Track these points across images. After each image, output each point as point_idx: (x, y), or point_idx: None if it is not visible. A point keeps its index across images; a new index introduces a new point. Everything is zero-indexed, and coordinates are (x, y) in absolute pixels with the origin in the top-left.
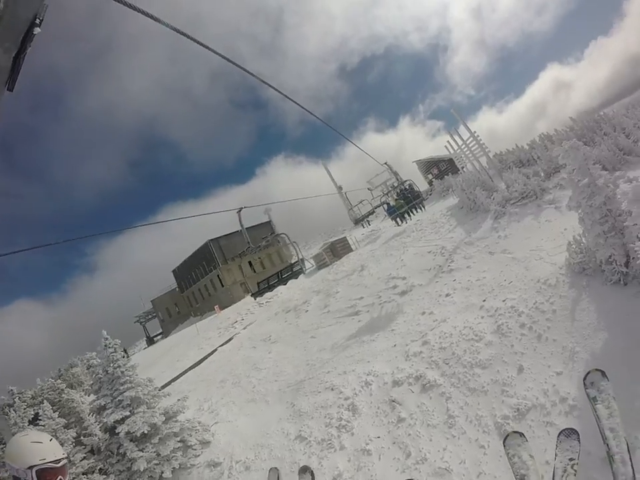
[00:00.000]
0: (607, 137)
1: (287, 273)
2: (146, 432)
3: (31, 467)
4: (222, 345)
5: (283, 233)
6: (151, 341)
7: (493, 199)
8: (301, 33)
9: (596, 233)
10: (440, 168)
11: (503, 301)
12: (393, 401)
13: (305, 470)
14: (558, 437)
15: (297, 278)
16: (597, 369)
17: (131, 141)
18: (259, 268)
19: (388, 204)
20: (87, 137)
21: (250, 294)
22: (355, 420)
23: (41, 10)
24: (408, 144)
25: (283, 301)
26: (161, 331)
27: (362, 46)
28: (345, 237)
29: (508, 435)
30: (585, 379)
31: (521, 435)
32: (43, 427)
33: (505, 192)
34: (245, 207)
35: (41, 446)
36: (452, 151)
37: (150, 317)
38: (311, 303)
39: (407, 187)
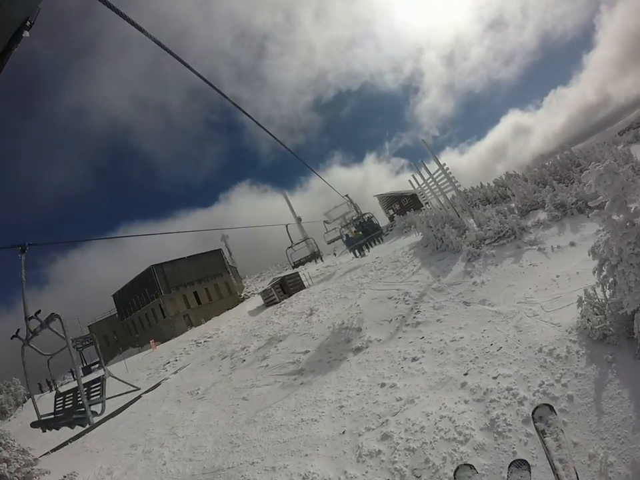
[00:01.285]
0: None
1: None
2: None
3: None
4: (147, 392)
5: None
6: (88, 370)
7: (465, 237)
8: (282, 62)
9: (630, 285)
10: (402, 203)
11: (494, 378)
12: None
13: None
14: (509, 467)
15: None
16: (544, 404)
17: (101, 148)
18: (205, 299)
19: (347, 235)
20: (54, 137)
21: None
22: None
23: (33, 14)
24: (372, 179)
25: (222, 342)
26: (97, 359)
27: (339, 81)
28: (297, 272)
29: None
30: (533, 413)
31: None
32: None
33: (478, 230)
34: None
35: None
36: (416, 185)
37: (87, 343)
38: (250, 351)
39: (366, 220)
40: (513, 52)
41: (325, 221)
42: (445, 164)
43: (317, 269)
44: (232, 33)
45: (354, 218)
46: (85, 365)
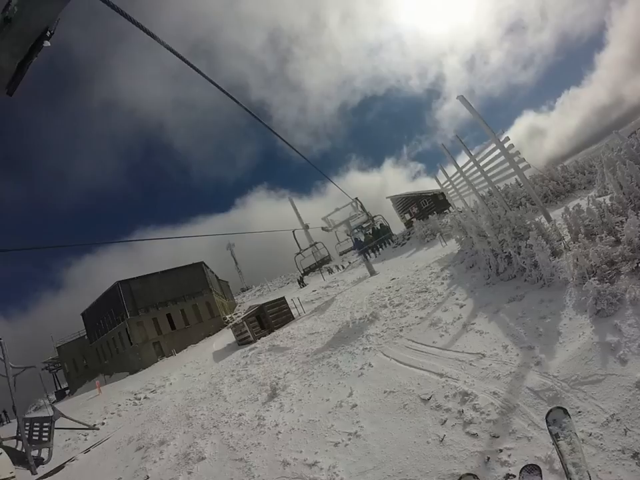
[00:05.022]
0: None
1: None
2: None
3: None
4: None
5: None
6: (62, 394)
7: (564, 258)
8: (308, 66)
9: None
10: (421, 206)
11: None
12: None
13: None
14: (520, 472)
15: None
16: (558, 407)
17: (133, 143)
18: (181, 323)
19: (357, 239)
20: (90, 131)
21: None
22: None
23: (53, 24)
24: (390, 184)
25: (148, 415)
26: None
27: (365, 86)
28: (284, 299)
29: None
30: (547, 416)
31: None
32: None
33: (589, 244)
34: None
35: None
36: (444, 180)
37: (60, 364)
38: (164, 455)
39: (375, 223)
40: (532, 55)
41: (323, 227)
42: (507, 137)
43: (314, 290)
44: (260, 38)
45: (364, 222)
46: (57, 388)
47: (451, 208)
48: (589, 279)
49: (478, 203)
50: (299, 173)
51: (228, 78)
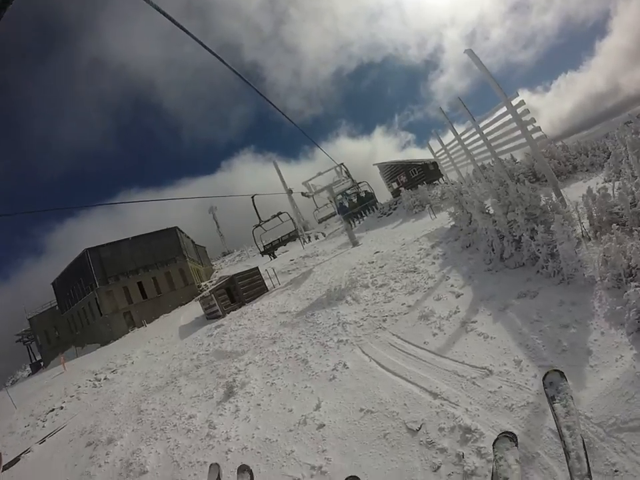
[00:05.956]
0: None
1: (285, 238)
2: None
3: None
4: None
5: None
6: (36, 366)
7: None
8: (304, 29)
9: None
10: (410, 175)
11: None
12: None
13: (243, 469)
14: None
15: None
16: (555, 370)
17: (122, 103)
18: (153, 292)
19: (341, 203)
20: (77, 91)
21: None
22: None
23: None
24: (379, 152)
25: (103, 402)
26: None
27: (361, 52)
28: (257, 269)
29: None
30: (544, 378)
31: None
32: None
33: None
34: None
35: None
36: (438, 148)
37: (32, 336)
38: (110, 457)
39: (360, 189)
40: (533, 35)
41: (303, 193)
42: (522, 101)
43: (292, 260)
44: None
45: (349, 188)
46: (32, 360)
47: (442, 179)
48: (627, 282)
49: (477, 175)
50: (289, 137)
51: (221, 37)
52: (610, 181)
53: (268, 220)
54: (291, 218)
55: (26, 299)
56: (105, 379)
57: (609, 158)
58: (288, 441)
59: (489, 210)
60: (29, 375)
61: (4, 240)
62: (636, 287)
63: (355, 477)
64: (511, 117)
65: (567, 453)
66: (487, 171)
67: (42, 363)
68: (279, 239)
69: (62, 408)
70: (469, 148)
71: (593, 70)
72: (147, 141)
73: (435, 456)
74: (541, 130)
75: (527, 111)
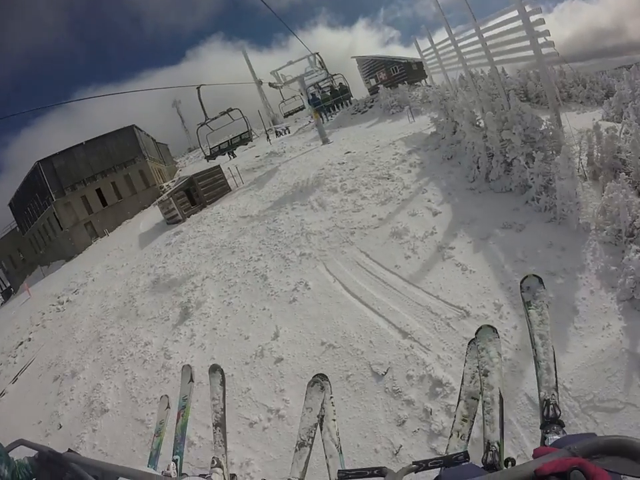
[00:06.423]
0: None
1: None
2: None
3: None
4: None
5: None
6: (8, 293)
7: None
8: None
9: None
10: (390, 73)
11: None
12: None
13: (214, 369)
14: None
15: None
16: (534, 274)
17: None
18: (113, 198)
19: (313, 95)
20: None
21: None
22: None
23: None
24: (359, 46)
25: (66, 329)
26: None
27: None
28: (219, 167)
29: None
30: (521, 282)
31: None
32: None
33: None
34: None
35: None
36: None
37: None
38: (75, 391)
39: (334, 82)
40: None
41: (271, 83)
42: (539, 7)
43: (257, 156)
44: None
45: (322, 80)
46: (1, 289)
47: (425, 80)
48: (626, 242)
49: (462, 83)
50: (262, 24)
51: None
52: (609, 120)
53: (216, 117)
54: (243, 116)
55: None
56: (67, 301)
57: (607, 96)
58: (244, 375)
59: (479, 122)
60: (1, 303)
61: None
62: (637, 250)
63: (322, 374)
64: (522, 23)
65: (537, 362)
66: (477, 80)
67: (12, 289)
68: (227, 141)
69: (29, 340)
70: (463, 51)
71: (601, 4)
72: (105, 33)
73: (401, 408)
74: (553, 46)
75: (541, 21)
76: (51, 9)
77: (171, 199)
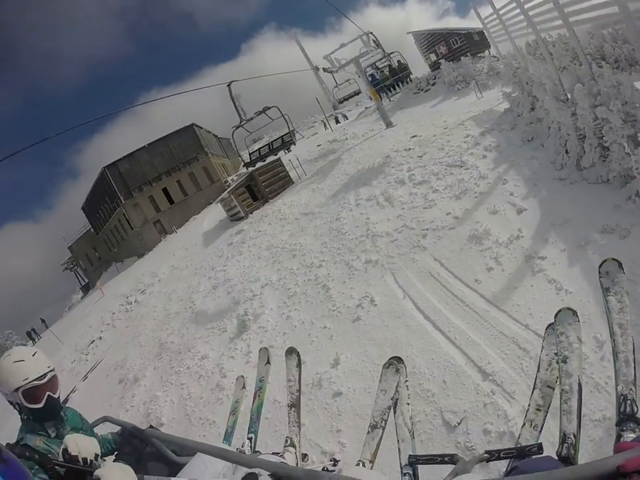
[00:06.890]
0: None
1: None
2: None
3: (17, 389)
4: None
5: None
6: (87, 288)
7: None
8: None
9: None
10: (451, 46)
11: None
12: None
13: (291, 351)
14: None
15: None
16: (613, 259)
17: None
18: (179, 196)
19: (372, 75)
20: None
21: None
22: None
23: None
24: (414, 22)
25: (132, 331)
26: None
27: None
28: (279, 160)
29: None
30: (600, 267)
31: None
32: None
33: None
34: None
35: (23, 364)
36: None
37: (73, 264)
38: (136, 397)
39: (392, 60)
40: None
41: (324, 68)
42: None
43: (319, 145)
44: None
45: (379, 60)
46: (81, 284)
47: (489, 51)
48: None
49: (529, 50)
50: (313, 9)
51: None
52: None
53: (251, 118)
54: (282, 115)
55: (65, 227)
56: (135, 301)
57: None
58: (301, 408)
59: (567, 97)
60: (82, 297)
61: (39, 173)
62: None
63: (397, 357)
64: None
65: (615, 354)
66: (548, 46)
67: (90, 285)
68: (268, 144)
69: (100, 338)
70: (531, 14)
71: None
72: (160, 36)
73: (474, 470)
74: None
75: None
76: (105, 19)
77: (232, 196)
